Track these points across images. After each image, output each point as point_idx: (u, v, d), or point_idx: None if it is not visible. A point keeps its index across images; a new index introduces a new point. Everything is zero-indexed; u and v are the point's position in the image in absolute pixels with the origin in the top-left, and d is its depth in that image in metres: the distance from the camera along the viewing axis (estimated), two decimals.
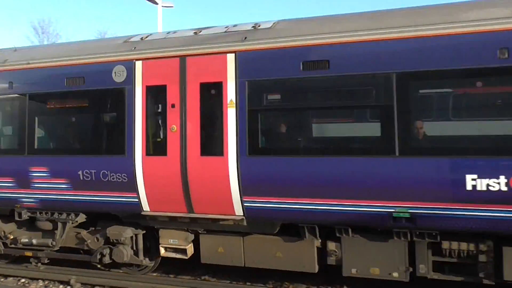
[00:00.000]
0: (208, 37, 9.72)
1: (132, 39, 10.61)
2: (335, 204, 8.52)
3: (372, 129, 8.55)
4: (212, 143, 9.31)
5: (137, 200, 9.91)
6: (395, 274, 8.92)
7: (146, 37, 10.52)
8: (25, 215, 11.17)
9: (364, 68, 8.34)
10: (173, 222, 10.08)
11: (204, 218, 9.65)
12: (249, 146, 9.00)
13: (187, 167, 9.48)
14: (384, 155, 8.20)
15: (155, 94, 9.77)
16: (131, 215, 10.34)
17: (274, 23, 9.61)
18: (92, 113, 10.47)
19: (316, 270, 9.56)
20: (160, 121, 9.89)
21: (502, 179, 7.60)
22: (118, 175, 9.87)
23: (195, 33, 10.03)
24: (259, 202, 9.05)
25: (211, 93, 9.34)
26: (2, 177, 11.00)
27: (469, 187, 7.72)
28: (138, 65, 9.93)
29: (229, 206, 9.30)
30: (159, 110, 9.91)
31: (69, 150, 10.66)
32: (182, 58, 9.58)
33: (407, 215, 8.19)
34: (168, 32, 10.61)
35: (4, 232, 11.79)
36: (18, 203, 11.07)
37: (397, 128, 8.17)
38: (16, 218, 11.19)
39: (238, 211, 9.28)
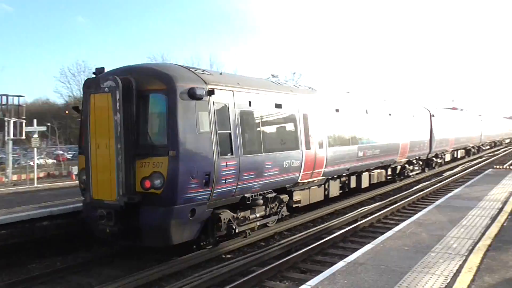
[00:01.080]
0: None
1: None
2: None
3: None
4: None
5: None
6: None
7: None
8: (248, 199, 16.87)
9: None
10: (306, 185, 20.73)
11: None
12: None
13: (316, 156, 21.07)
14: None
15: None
16: (292, 185, 19.41)
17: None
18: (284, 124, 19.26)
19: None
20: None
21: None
22: (295, 162, 19.16)
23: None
24: None
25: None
26: (248, 171, 16.33)
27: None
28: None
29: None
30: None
31: (281, 148, 18.35)
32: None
33: None
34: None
35: (234, 215, 16.43)
36: (251, 189, 16.73)
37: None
38: (247, 202, 16.73)
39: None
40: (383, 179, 30.06)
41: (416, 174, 36.63)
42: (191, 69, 15.83)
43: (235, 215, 16.54)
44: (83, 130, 15.42)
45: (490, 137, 74.97)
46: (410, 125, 33.86)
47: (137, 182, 14.20)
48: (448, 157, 46.78)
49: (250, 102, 16.89)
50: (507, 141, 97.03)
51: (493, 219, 15.10)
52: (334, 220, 20.52)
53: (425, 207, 19.35)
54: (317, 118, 21.36)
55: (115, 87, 14.08)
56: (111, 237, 14.66)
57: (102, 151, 14.43)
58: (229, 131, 15.51)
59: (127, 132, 14.17)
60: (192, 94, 14.32)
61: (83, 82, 15.94)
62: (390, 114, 30.88)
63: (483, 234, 13.07)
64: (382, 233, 14.55)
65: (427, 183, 32.50)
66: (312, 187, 21.37)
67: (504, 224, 14.38)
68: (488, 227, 14.03)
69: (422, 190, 29.30)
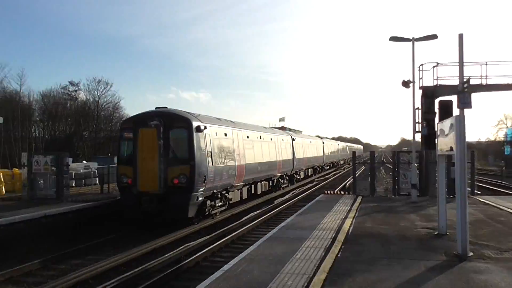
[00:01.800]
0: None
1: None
2: None
3: None
4: None
5: None
6: None
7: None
8: None
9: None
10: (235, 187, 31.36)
11: None
12: None
13: None
14: None
15: None
16: (230, 187, 30.66)
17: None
18: None
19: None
20: None
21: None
22: (233, 171, 30.43)
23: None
24: None
25: None
26: (218, 176, 28.58)
27: None
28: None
29: None
30: None
31: (228, 161, 30.08)
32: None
33: None
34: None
35: (210, 203, 28.58)
36: (216, 188, 29.38)
37: None
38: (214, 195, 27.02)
39: None
40: (267, 189, 39.31)
41: (285, 186, 46.43)
42: (194, 114, 26.45)
43: (211, 203, 27.24)
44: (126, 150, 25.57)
45: (330, 158, 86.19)
46: (281, 148, 44.08)
47: (168, 180, 24.49)
48: (302, 175, 56.09)
49: (216, 133, 27.80)
50: (341, 162, 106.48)
51: (327, 250, 13.91)
52: (153, 261, 17.24)
53: (256, 240, 17.42)
54: (242, 142, 32.67)
55: (159, 124, 24.42)
56: (150, 215, 24.69)
57: (148, 162, 24.60)
58: (211, 151, 26.34)
59: (165, 151, 24.57)
60: (198, 129, 25.08)
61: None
62: (271, 139, 41.12)
63: (318, 267, 11.85)
64: (210, 274, 12.01)
65: (257, 212, 30.56)
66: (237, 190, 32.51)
67: (338, 255, 13.32)
68: (322, 259, 12.79)
69: (253, 220, 27.37)
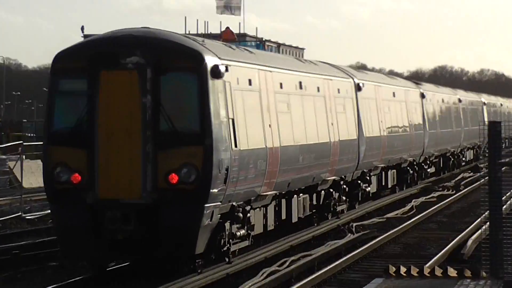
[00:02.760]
0: None
1: None
2: None
3: None
4: None
5: None
6: None
7: None
8: None
9: None
10: None
11: None
12: None
13: None
14: None
15: None
16: None
17: None
18: None
19: None
20: None
21: None
22: None
23: None
24: None
25: None
26: None
27: None
28: None
29: None
30: None
31: None
32: None
33: None
34: None
35: None
36: None
37: None
38: None
39: None
40: (308, 212, 19.22)
41: (342, 209, 22.29)
42: (199, 41, 14.42)
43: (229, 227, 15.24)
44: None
45: (439, 143, 36.88)
46: (334, 107, 21.27)
47: (160, 177, 12.25)
48: (374, 183, 26.03)
49: (239, 79, 15.05)
50: (468, 154, 47.56)
51: None
52: None
53: None
54: (273, 96, 18.33)
55: (145, 64, 12.00)
56: (120, 248, 12.40)
57: (120, 140, 12.16)
58: (234, 117, 14.15)
59: (153, 119, 12.26)
60: (215, 72, 12.99)
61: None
62: (319, 90, 20.31)
63: None
64: None
65: None
66: None
67: None
68: None
69: None
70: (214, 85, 12.72)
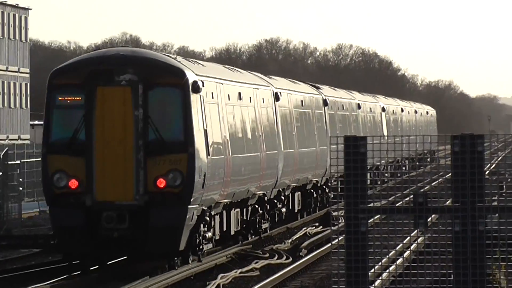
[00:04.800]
0: None
1: None
2: None
3: None
4: None
5: None
6: None
7: None
8: None
9: None
10: None
11: None
12: None
13: None
14: None
15: None
16: None
17: None
18: None
19: None
20: None
21: None
22: None
23: None
24: None
25: None
26: None
27: None
28: None
29: None
30: None
31: None
32: None
33: None
34: None
35: None
36: None
37: None
38: None
39: None
40: (238, 227, 18.55)
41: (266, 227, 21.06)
42: (176, 58, 16.20)
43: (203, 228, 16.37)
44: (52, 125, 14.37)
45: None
46: (260, 117, 20.34)
47: (149, 181, 13.82)
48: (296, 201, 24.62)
49: (209, 92, 16.36)
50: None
51: None
52: None
53: None
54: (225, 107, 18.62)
55: (137, 81, 13.61)
56: (114, 245, 13.97)
57: (114, 148, 13.71)
58: (207, 128, 16.04)
59: (143, 129, 13.87)
60: (195, 87, 14.81)
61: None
62: (250, 98, 19.93)
63: None
64: None
65: None
66: None
67: None
68: None
69: None
70: (195, 98, 14.49)
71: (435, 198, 7.02)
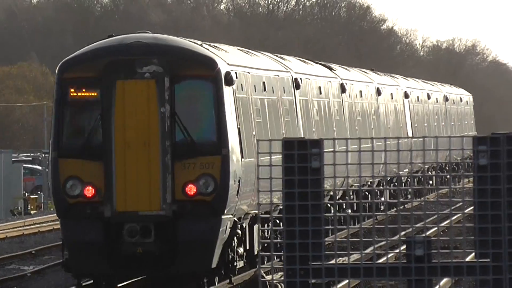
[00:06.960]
0: None
1: None
2: None
3: None
4: None
5: None
6: None
7: None
8: None
9: None
10: None
11: None
12: None
13: None
14: None
15: None
16: None
17: None
18: None
19: None
20: None
21: None
22: None
23: None
24: None
25: None
26: None
27: None
28: None
29: None
30: None
31: None
32: None
33: None
34: None
35: None
36: None
37: None
38: None
39: None
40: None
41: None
42: (205, 45, 14.32)
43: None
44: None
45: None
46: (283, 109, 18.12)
47: (177, 188, 12.04)
48: None
49: (242, 85, 14.54)
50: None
51: None
52: None
53: None
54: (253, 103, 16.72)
55: (163, 73, 11.91)
56: (137, 264, 12.16)
57: (137, 152, 11.99)
58: (240, 126, 14.04)
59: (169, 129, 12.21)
60: (228, 79, 13.26)
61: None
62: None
63: None
64: None
65: None
66: None
67: None
68: None
69: None
70: (228, 92, 12.73)
71: (445, 248, 4.80)
